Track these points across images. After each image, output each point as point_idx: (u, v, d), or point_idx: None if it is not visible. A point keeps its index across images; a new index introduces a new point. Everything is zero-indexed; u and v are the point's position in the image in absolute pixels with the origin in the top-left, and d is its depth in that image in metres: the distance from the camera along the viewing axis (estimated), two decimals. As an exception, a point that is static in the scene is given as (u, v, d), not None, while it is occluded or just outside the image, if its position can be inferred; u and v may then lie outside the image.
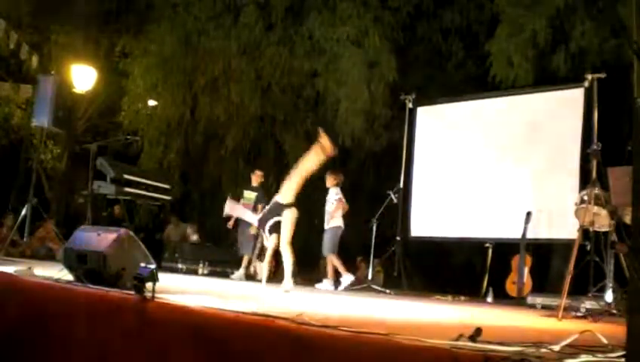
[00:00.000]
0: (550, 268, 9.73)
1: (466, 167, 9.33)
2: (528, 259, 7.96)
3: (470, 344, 2.13)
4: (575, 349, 2.21)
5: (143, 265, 3.31)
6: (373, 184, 13.27)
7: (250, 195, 9.40)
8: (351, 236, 13.14)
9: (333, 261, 8.47)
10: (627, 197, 4.66)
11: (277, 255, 6.38)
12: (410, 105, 9.71)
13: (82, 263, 3.89)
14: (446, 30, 11.93)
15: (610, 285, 5.59)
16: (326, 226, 8.61)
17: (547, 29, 9.41)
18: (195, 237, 11.70)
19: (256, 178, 9.54)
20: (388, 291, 8.18)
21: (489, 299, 7.81)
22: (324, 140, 6.08)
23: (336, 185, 8.68)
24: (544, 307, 6.30)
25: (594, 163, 5.88)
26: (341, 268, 8.38)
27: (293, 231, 6.09)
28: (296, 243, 6.17)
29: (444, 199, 9.62)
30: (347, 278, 8.28)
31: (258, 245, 9.02)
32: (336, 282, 8.37)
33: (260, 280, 8.26)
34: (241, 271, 9.09)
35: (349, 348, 2.16)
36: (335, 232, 8.55)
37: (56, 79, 8.06)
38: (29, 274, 3.96)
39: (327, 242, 8.53)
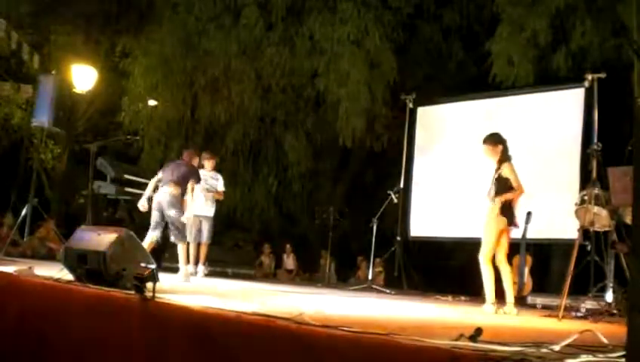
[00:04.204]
0: (550, 268, 9.72)
1: (466, 167, 9.31)
2: (529, 259, 7.94)
3: (470, 344, 2.13)
4: (575, 349, 2.21)
5: (143, 265, 3.32)
6: (373, 184, 13.27)
7: None
8: (351, 236, 13.16)
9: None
10: (627, 198, 4.67)
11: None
12: (410, 105, 9.68)
13: (82, 263, 3.89)
14: (446, 30, 11.93)
15: (611, 285, 5.59)
16: (207, 213, 7.96)
17: (547, 29, 9.40)
18: None
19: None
20: (388, 291, 8.18)
21: (489, 299, 7.80)
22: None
23: (217, 169, 8.18)
24: (544, 307, 6.31)
25: (594, 163, 5.87)
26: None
27: None
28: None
29: (444, 199, 9.61)
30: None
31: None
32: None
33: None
34: None
35: (349, 348, 2.16)
36: (213, 222, 8.03)
37: (57, 79, 8.03)
38: (29, 274, 3.96)
39: (211, 230, 7.93)
